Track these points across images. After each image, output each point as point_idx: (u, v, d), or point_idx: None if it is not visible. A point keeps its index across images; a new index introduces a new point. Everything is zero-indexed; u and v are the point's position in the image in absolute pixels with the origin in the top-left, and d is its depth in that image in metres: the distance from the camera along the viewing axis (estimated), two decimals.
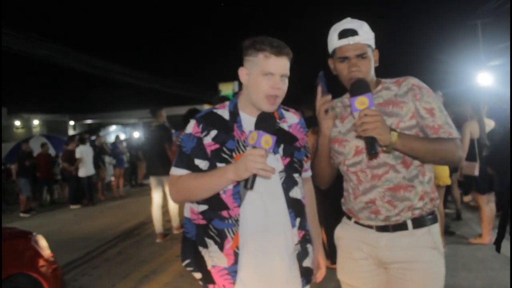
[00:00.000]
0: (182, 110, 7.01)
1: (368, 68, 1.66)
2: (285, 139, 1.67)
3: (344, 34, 1.65)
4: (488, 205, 4.95)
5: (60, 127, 22.88)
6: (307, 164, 1.79)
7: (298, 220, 1.64)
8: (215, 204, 1.58)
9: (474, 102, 5.04)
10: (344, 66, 1.67)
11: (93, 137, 14.07)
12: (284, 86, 1.59)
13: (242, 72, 1.61)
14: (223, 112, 1.65)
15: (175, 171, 1.62)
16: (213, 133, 1.59)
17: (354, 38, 1.64)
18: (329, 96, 1.66)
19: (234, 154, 1.57)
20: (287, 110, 1.78)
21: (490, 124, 4.96)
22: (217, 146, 1.58)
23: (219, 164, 1.56)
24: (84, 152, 10.33)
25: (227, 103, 1.69)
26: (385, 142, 1.46)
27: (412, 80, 1.71)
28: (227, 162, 1.56)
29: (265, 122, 1.47)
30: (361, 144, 1.69)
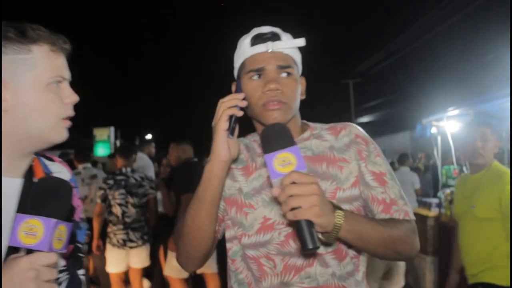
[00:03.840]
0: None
1: (294, 94, 1.08)
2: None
3: (260, 37, 1.08)
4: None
5: None
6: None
7: None
8: None
9: None
10: (256, 85, 1.06)
11: None
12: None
13: None
14: None
15: None
16: None
17: (277, 44, 1.06)
18: (241, 95, 0.98)
19: None
20: (52, 160, 1.07)
21: None
22: None
23: None
24: None
25: None
26: (326, 227, 0.88)
27: (355, 130, 1.17)
28: None
29: (52, 197, 0.78)
30: (273, 215, 1.06)
